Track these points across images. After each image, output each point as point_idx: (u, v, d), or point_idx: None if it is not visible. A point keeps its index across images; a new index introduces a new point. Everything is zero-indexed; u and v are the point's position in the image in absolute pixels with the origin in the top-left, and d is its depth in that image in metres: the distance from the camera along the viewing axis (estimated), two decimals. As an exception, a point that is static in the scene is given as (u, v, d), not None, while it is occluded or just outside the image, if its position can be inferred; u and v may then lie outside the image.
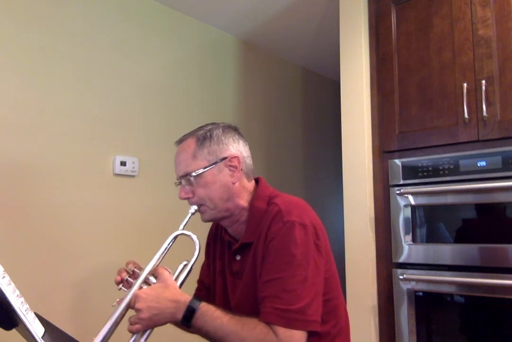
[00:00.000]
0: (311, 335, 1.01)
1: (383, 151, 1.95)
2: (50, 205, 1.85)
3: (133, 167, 2.13)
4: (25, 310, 0.84)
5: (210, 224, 1.33)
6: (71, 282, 1.88)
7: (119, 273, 1.11)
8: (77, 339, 1.02)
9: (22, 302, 0.85)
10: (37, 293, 1.73)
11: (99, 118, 2.05)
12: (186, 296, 1.03)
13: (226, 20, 2.56)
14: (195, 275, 1.28)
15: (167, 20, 2.39)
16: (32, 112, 1.83)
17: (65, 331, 1.06)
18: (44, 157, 1.85)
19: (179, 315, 1.00)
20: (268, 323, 0.99)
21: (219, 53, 2.68)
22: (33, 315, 0.88)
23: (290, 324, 0.98)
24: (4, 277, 0.84)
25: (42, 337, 0.84)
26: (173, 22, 2.42)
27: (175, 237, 1.13)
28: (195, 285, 1.34)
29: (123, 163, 2.10)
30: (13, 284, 0.86)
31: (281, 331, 0.97)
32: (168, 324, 1.08)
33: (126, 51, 2.19)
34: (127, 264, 1.14)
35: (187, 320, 1.00)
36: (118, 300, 1.03)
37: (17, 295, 0.84)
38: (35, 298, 1.43)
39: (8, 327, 0.85)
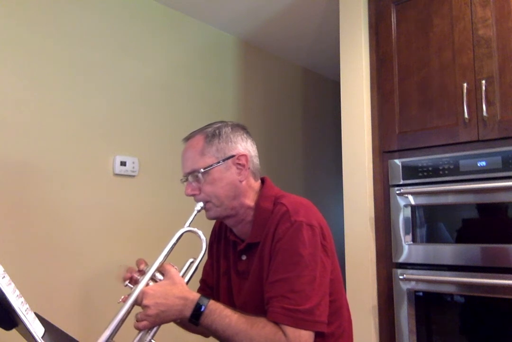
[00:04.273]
0: (316, 336, 1.01)
1: (383, 151, 1.94)
2: (50, 205, 1.85)
3: (133, 167, 2.13)
4: (25, 310, 0.84)
5: (214, 222, 1.33)
6: (71, 282, 1.88)
7: (129, 271, 1.09)
8: (78, 339, 1.02)
9: (22, 302, 0.85)
10: (38, 293, 1.73)
11: (99, 118, 2.05)
12: (194, 294, 1.02)
13: (226, 20, 2.56)
14: (199, 274, 1.27)
15: (168, 20, 2.39)
16: (32, 112, 1.83)
17: (67, 331, 1.06)
18: (44, 158, 1.85)
19: (187, 313, 0.99)
20: (277, 323, 0.99)
21: (219, 53, 2.68)
22: (33, 315, 0.88)
23: (299, 324, 0.98)
24: (4, 277, 0.84)
25: (42, 337, 0.84)
26: (174, 22, 2.42)
27: (182, 234, 1.12)
28: (198, 284, 1.33)
29: (123, 163, 2.10)
30: (13, 284, 0.85)
31: (290, 331, 0.97)
32: (173, 323, 1.07)
33: (126, 51, 2.19)
34: (139, 263, 1.11)
35: (195, 318, 0.99)
36: (123, 297, 1.02)
37: (17, 295, 0.84)
38: (35, 298, 1.43)
39: (8, 327, 0.85)
